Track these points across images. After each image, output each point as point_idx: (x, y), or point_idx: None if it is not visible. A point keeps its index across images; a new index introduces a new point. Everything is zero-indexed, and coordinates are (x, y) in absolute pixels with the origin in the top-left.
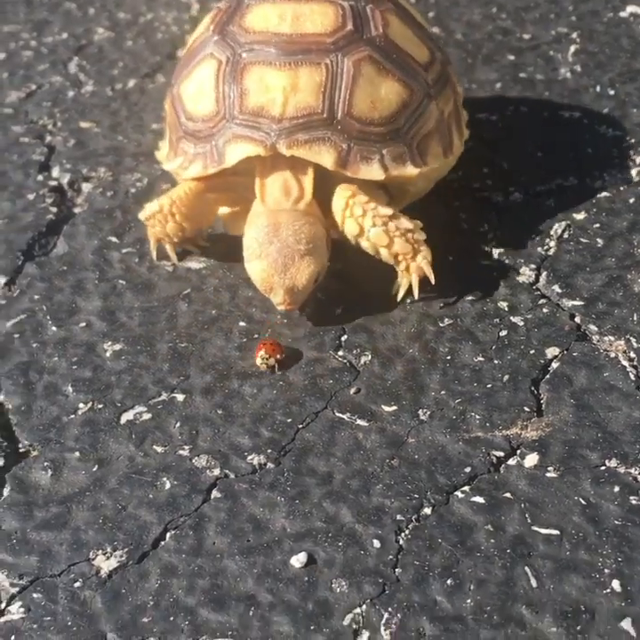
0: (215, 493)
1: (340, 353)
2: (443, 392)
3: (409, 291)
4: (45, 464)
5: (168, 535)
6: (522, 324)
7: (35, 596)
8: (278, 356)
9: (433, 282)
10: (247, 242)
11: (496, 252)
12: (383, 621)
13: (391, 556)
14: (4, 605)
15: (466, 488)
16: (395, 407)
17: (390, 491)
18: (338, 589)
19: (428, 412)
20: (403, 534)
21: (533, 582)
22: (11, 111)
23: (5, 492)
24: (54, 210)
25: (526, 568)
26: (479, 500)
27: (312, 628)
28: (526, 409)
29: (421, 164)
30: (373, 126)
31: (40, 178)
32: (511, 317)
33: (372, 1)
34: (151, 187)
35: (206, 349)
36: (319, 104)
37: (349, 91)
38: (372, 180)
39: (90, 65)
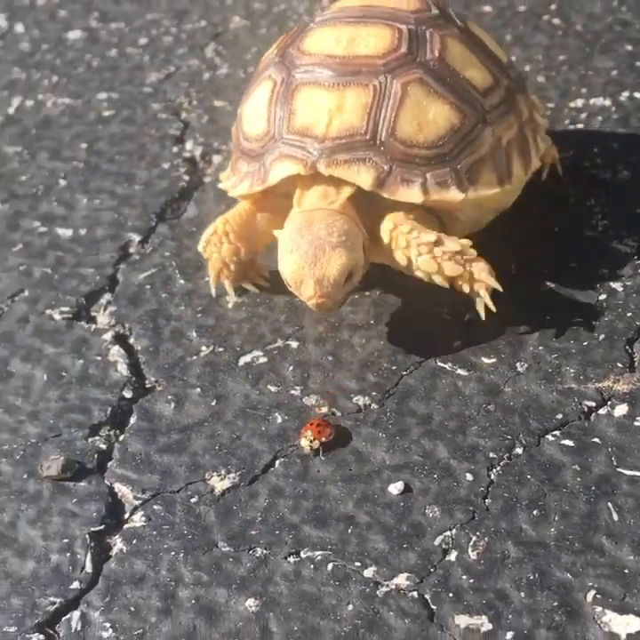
0: None
1: (446, 310)
2: (540, 347)
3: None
4: (169, 397)
5: (277, 462)
6: (621, 289)
7: (155, 507)
8: (324, 439)
9: (500, 289)
10: (280, 241)
11: (601, 225)
12: (471, 543)
13: (482, 488)
14: (127, 515)
15: (556, 432)
16: (494, 359)
17: (485, 432)
18: (431, 514)
19: (526, 365)
20: (494, 470)
21: (615, 516)
22: (151, 90)
23: (132, 420)
24: (187, 178)
25: (609, 504)
26: (569, 443)
27: (405, 546)
28: (619, 365)
29: (468, 190)
30: (418, 149)
31: (175, 150)
32: (611, 283)
33: (434, 25)
34: None
35: None
36: (363, 125)
37: (395, 112)
38: (412, 203)
39: (225, 50)
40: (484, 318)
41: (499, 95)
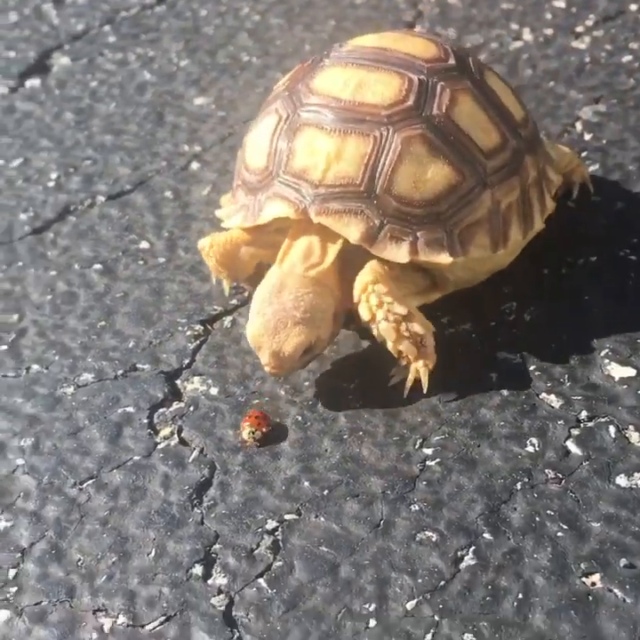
0: None
1: None
2: None
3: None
4: None
5: None
6: None
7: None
8: (264, 429)
9: (425, 391)
10: (254, 296)
11: None
12: None
13: None
14: None
15: None
16: None
17: None
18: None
19: None
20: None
21: None
22: None
23: None
24: None
25: None
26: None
27: None
28: None
29: (460, 253)
30: (412, 207)
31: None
32: None
33: (448, 77)
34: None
35: None
36: (359, 176)
37: (393, 167)
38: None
39: None
40: (406, 395)
41: (503, 157)
